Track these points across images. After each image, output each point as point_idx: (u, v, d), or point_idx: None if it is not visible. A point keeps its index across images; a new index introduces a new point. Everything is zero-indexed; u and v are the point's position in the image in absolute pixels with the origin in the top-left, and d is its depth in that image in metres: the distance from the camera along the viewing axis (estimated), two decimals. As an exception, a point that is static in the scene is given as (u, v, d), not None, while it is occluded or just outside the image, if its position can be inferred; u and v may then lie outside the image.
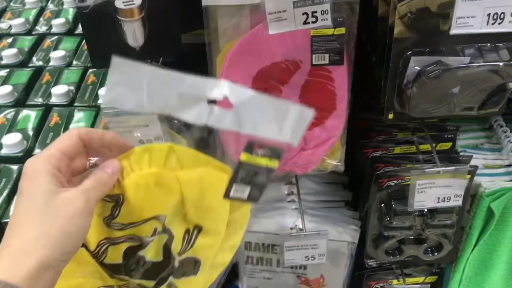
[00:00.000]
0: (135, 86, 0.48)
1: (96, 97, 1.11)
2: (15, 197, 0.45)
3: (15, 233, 0.40)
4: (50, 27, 1.39)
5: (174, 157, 0.52)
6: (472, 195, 0.97)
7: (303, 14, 0.65)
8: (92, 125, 1.03)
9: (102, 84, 1.14)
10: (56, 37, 1.33)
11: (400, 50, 0.76)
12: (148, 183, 0.51)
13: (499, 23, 0.66)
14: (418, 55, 0.76)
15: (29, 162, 0.44)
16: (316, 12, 0.65)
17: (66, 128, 1.02)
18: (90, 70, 1.20)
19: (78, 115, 1.05)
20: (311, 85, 0.81)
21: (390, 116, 0.84)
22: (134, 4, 0.74)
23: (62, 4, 1.51)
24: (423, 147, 0.98)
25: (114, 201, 0.50)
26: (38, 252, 0.40)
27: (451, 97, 0.77)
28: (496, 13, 0.65)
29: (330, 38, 0.73)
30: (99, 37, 0.78)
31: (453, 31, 0.67)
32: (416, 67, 0.76)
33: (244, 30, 0.78)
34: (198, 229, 0.56)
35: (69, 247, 0.42)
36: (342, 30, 0.72)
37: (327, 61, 0.77)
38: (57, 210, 0.41)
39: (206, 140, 0.54)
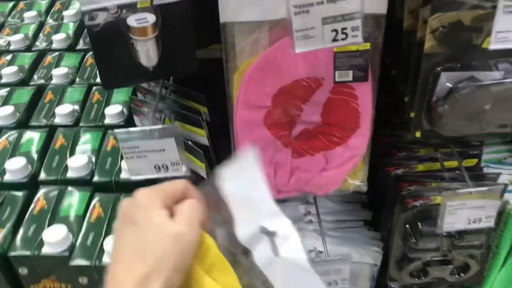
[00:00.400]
0: None
1: (103, 116, 1.06)
2: (116, 225, 0.44)
3: (136, 260, 0.42)
4: (51, 42, 1.34)
5: (209, 261, 0.46)
6: (499, 212, 0.93)
7: (332, 31, 0.61)
8: (100, 146, 0.98)
9: (108, 103, 1.10)
10: (57, 53, 1.29)
11: (430, 66, 0.71)
12: None
13: (541, 38, 0.62)
14: (449, 70, 0.71)
15: (142, 193, 0.45)
16: (346, 28, 0.60)
17: (72, 151, 0.97)
18: (95, 88, 1.15)
19: (85, 136, 1.00)
20: (333, 103, 0.77)
21: (418, 134, 0.79)
22: (148, 22, 0.69)
23: (62, 18, 1.47)
24: (448, 163, 0.93)
25: None
26: (161, 278, 0.41)
27: (484, 114, 0.72)
28: (539, 27, 0.61)
29: (354, 54, 0.69)
30: (110, 57, 0.73)
31: (492, 46, 0.63)
32: (447, 84, 0.72)
33: (263, 47, 0.74)
34: None
35: (184, 270, 0.44)
36: (367, 46, 0.68)
37: (350, 78, 0.73)
38: (174, 238, 0.43)
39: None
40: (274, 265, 0.47)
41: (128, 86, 0.93)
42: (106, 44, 0.72)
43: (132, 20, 0.70)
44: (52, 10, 1.51)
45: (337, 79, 0.73)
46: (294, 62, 0.72)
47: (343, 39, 0.61)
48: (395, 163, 0.95)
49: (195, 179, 0.82)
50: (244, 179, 0.49)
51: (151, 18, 0.70)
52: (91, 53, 1.29)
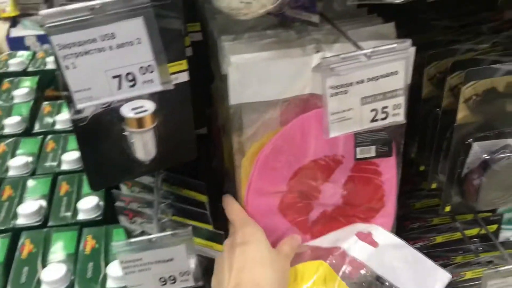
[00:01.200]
0: None
1: (75, 211, 0.92)
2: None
3: (244, 272, 0.54)
4: (3, 127, 1.19)
5: (323, 276, 0.57)
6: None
7: (372, 110, 0.53)
8: (76, 250, 0.84)
9: (79, 195, 0.95)
10: (12, 139, 1.14)
11: (462, 136, 0.66)
12: None
13: None
14: (481, 140, 0.66)
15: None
16: (387, 107, 0.53)
17: (44, 259, 0.82)
18: (61, 177, 1.01)
19: (57, 239, 0.85)
20: (355, 182, 0.70)
21: (447, 209, 0.73)
22: (146, 111, 0.59)
23: (13, 98, 1.33)
24: (468, 232, 0.87)
25: None
26: (270, 280, 0.53)
27: (523, 183, 0.67)
28: None
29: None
30: (99, 154, 0.62)
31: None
32: (483, 155, 0.65)
33: (273, 127, 0.66)
34: None
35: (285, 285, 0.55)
36: None
37: (373, 154, 0.66)
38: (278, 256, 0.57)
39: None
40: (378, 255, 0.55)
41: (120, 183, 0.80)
42: (95, 139, 0.61)
43: (127, 110, 0.59)
44: (0, 90, 1.36)
45: (358, 156, 0.66)
46: (311, 141, 0.64)
47: (383, 119, 0.54)
48: (412, 236, 0.87)
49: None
50: None
51: (149, 105, 0.59)
52: (51, 136, 1.15)
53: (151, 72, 0.47)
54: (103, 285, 0.77)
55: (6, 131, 1.18)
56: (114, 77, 0.46)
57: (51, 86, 1.45)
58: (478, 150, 0.66)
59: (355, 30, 0.61)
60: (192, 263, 0.62)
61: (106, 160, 0.63)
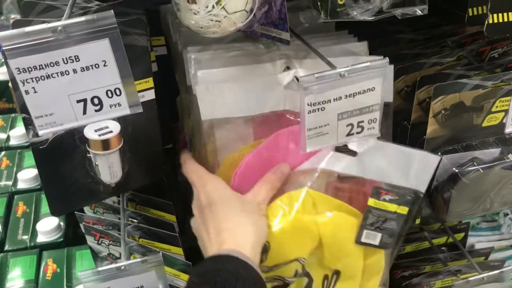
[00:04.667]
0: None
1: (34, 233, 0.87)
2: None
3: (222, 233, 0.53)
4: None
5: (310, 201, 0.56)
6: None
7: (348, 125, 0.52)
8: (37, 275, 0.79)
9: (37, 215, 0.91)
10: (-38, 158, 1.07)
11: (432, 150, 0.66)
12: (291, 227, 0.55)
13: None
14: (450, 153, 0.66)
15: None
16: (362, 121, 0.53)
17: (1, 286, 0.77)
18: (18, 196, 0.96)
19: (15, 265, 0.80)
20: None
21: (417, 221, 0.73)
22: (111, 132, 0.56)
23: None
24: (437, 241, 0.88)
25: (262, 248, 0.54)
26: (250, 237, 0.52)
27: (488, 194, 0.68)
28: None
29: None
30: (60, 178, 0.58)
31: (508, 129, 0.59)
32: (452, 167, 0.66)
33: (246, 140, 0.63)
34: (337, 275, 0.59)
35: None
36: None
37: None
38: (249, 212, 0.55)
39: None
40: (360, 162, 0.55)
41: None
42: (56, 162, 0.58)
43: (91, 131, 0.56)
44: None
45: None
46: (287, 157, 0.62)
47: (358, 133, 0.53)
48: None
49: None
50: None
51: (114, 126, 0.57)
52: (5, 152, 1.10)
53: (119, 95, 0.44)
54: (67, 312, 0.73)
55: (-45, 147, 1.12)
56: (79, 101, 0.43)
57: (3, 98, 1.38)
58: (447, 163, 0.66)
59: (327, 47, 0.60)
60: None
61: (68, 184, 0.59)
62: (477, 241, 0.96)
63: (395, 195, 0.55)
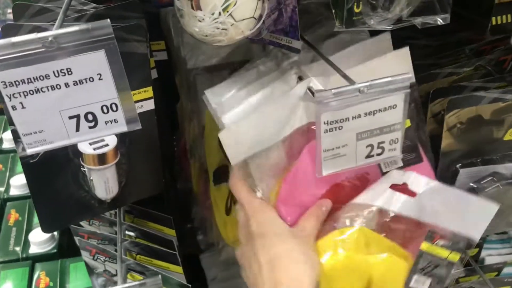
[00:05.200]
0: None
1: (26, 243, 0.83)
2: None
3: (276, 270, 0.50)
4: None
5: (363, 240, 0.53)
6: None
7: (367, 146, 0.48)
8: (29, 286, 0.76)
9: (30, 225, 0.87)
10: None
11: (448, 163, 0.63)
12: (342, 266, 0.53)
13: None
14: (468, 166, 0.63)
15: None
16: (383, 142, 0.49)
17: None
18: (10, 204, 0.92)
19: (6, 277, 0.76)
20: None
21: (434, 235, 0.69)
22: (107, 146, 0.52)
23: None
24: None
25: None
26: (306, 277, 0.49)
27: (510, 209, 0.64)
28: None
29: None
30: (53, 192, 0.55)
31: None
32: (469, 182, 0.62)
33: (281, 164, 0.57)
34: None
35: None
36: (407, 123, 0.56)
37: (401, 164, 0.57)
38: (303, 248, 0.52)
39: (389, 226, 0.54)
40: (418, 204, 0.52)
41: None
42: (47, 176, 0.54)
43: (86, 145, 0.52)
44: None
45: (384, 170, 0.58)
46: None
47: (378, 154, 0.49)
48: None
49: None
50: None
51: (110, 140, 0.53)
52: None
53: (115, 111, 0.40)
54: (60, 330, 0.69)
55: None
56: (71, 117, 0.39)
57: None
58: (465, 176, 0.62)
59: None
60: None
61: (61, 199, 0.55)
62: (487, 254, 0.92)
63: (449, 240, 0.53)
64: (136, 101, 0.54)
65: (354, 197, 0.59)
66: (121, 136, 0.55)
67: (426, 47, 0.71)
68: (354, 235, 0.53)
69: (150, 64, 0.61)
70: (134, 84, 0.53)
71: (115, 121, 0.41)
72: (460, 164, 0.63)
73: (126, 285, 0.52)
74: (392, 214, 0.53)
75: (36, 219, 0.88)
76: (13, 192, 0.95)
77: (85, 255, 0.66)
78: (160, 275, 0.52)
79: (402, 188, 0.53)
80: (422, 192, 0.52)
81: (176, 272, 0.63)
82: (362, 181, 0.59)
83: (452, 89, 0.61)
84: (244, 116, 0.53)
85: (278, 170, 0.55)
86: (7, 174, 1.00)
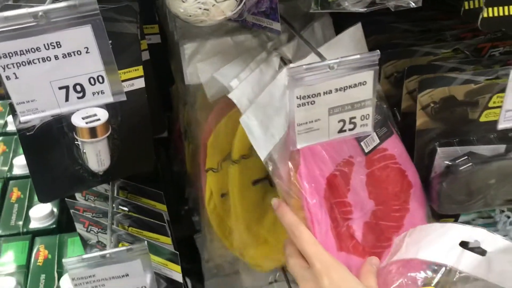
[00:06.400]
0: None
1: (27, 218, 0.87)
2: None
3: None
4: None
5: None
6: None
7: (340, 121, 0.51)
8: (28, 261, 0.79)
9: (31, 201, 0.91)
10: (-41, 141, 1.08)
11: (425, 142, 0.66)
12: None
13: (547, 115, 0.58)
14: (446, 146, 0.65)
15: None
16: (355, 118, 0.52)
17: (-7, 274, 0.77)
18: (13, 182, 0.96)
19: (7, 250, 0.80)
20: (375, 175, 0.65)
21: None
22: (99, 119, 0.56)
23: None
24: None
25: None
26: None
27: (488, 189, 0.67)
28: (546, 104, 0.57)
29: None
30: (48, 164, 0.58)
31: (502, 125, 0.57)
32: (445, 161, 0.65)
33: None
34: None
35: None
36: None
37: (378, 141, 0.62)
38: None
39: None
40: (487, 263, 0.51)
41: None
42: (43, 149, 0.57)
43: (78, 119, 0.55)
44: None
45: (367, 150, 0.62)
46: (317, 161, 0.60)
47: (350, 130, 0.52)
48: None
49: (166, 285, 0.67)
50: None
51: (102, 114, 0.56)
52: (2, 138, 1.10)
53: (101, 82, 0.43)
54: (56, 299, 0.73)
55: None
56: (61, 88, 0.43)
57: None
58: (442, 156, 0.65)
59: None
60: (149, 278, 0.59)
61: (55, 171, 0.59)
62: (472, 237, 0.95)
63: None
64: (128, 79, 0.58)
65: (346, 185, 0.63)
66: (113, 113, 0.59)
67: (407, 31, 0.74)
68: None
69: (141, 45, 0.65)
70: (125, 63, 0.56)
71: (102, 92, 0.44)
72: (438, 143, 0.65)
73: (115, 250, 0.55)
74: (460, 274, 0.51)
75: (35, 197, 0.92)
76: (16, 171, 0.99)
77: (79, 227, 0.70)
78: (146, 242, 0.56)
79: (473, 244, 0.52)
80: (492, 251, 0.51)
81: (166, 242, 0.66)
82: (348, 167, 0.62)
83: (427, 67, 0.63)
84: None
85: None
86: (11, 154, 1.04)
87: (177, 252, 0.62)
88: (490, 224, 0.99)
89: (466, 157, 0.65)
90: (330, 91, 0.49)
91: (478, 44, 0.68)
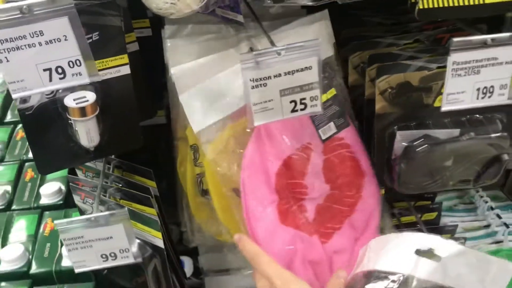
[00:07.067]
0: None
1: (38, 196, 0.97)
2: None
3: None
4: (-25, 117, 1.24)
5: None
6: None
7: (291, 102, 0.58)
8: (36, 231, 0.89)
9: (43, 180, 1.01)
10: (-18, 128, 1.19)
11: (384, 126, 0.71)
12: None
13: (489, 97, 0.63)
14: (404, 129, 0.71)
15: None
16: (305, 99, 0.58)
17: (5, 240, 0.87)
18: (28, 164, 1.06)
19: (19, 221, 0.90)
20: (331, 162, 0.71)
21: (382, 191, 0.78)
22: (87, 101, 0.64)
23: (-13, 90, 1.37)
24: (405, 219, 0.92)
25: None
26: None
27: (444, 170, 0.72)
28: (486, 87, 0.62)
29: (327, 104, 0.68)
30: (46, 140, 0.66)
31: (444, 108, 0.62)
32: (403, 142, 0.71)
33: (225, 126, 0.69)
34: None
35: None
36: (333, 92, 0.67)
37: (335, 130, 0.70)
38: None
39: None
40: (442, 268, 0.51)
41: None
42: (41, 127, 0.65)
43: (70, 100, 0.64)
44: (-24, 80, 1.41)
45: (323, 137, 0.69)
46: (278, 142, 0.68)
47: (302, 109, 0.59)
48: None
49: (151, 252, 0.75)
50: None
51: (90, 96, 0.64)
52: (21, 125, 1.20)
53: (79, 65, 0.52)
54: (58, 263, 0.82)
55: (-21, 120, 1.23)
56: (45, 70, 0.51)
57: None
58: (400, 139, 0.71)
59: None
60: (131, 241, 0.67)
61: (53, 147, 0.67)
62: (451, 221, 0.99)
63: None
64: (114, 66, 0.66)
65: (304, 168, 0.70)
66: (102, 96, 0.67)
67: (380, 25, 0.80)
68: None
69: (125, 36, 0.73)
70: (112, 51, 0.64)
71: (79, 74, 0.52)
72: (396, 127, 0.71)
73: (99, 214, 0.64)
74: (415, 282, 0.52)
75: (48, 177, 1.02)
76: (31, 155, 1.09)
77: (76, 199, 0.78)
78: (126, 208, 0.64)
79: (427, 252, 0.53)
80: (446, 256, 0.52)
81: (151, 213, 0.74)
82: (307, 152, 0.69)
83: (387, 55, 0.69)
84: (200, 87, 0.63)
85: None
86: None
87: (157, 220, 0.70)
88: (471, 210, 1.04)
89: (422, 139, 0.70)
90: (280, 75, 0.56)
91: (437, 35, 0.74)
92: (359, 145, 0.72)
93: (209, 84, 0.65)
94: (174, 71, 0.65)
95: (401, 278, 0.52)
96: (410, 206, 0.89)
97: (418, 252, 0.52)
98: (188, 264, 1.02)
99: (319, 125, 0.68)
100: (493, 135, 0.68)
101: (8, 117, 1.26)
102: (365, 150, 0.73)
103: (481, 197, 1.02)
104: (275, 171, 0.67)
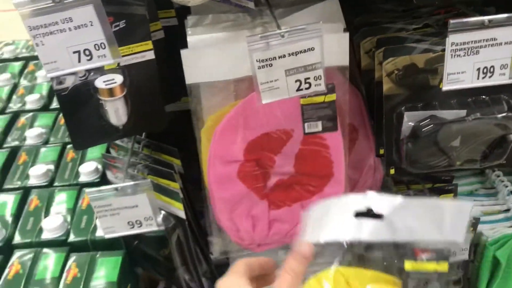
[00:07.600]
0: None
1: (77, 174, 1.06)
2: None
3: None
4: (24, 104, 1.35)
5: (343, 280, 0.49)
6: (474, 245, 0.94)
7: (296, 81, 0.63)
8: (75, 205, 0.98)
9: (82, 160, 1.09)
10: (31, 114, 1.29)
11: (392, 106, 0.74)
12: None
13: (490, 77, 0.65)
14: (411, 110, 0.74)
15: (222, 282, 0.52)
16: (309, 78, 0.63)
17: (47, 212, 0.96)
18: (69, 146, 1.15)
19: (59, 196, 0.99)
20: (305, 154, 0.77)
21: (392, 171, 0.81)
22: (115, 82, 0.71)
23: (36, 79, 1.48)
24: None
25: None
26: None
27: (451, 150, 0.75)
28: (486, 67, 0.65)
29: (321, 105, 0.71)
30: (80, 118, 0.74)
31: (445, 87, 0.65)
32: (410, 123, 0.74)
33: (228, 102, 0.75)
34: None
35: None
36: (332, 97, 0.70)
37: (320, 129, 0.74)
38: None
39: (364, 256, 0.51)
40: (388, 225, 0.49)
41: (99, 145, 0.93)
42: (75, 106, 0.73)
43: (100, 82, 0.71)
44: (26, 71, 1.52)
45: (306, 131, 0.74)
46: (262, 115, 0.73)
47: (307, 89, 0.64)
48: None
49: (175, 222, 0.82)
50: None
51: (118, 78, 0.71)
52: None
53: (104, 48, 0.58)
54: (93, 233, 0.90)
55: (27, 107, 1.33)
56: (74, 52, 0.58)
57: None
58: (408, 120, 0.74)
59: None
60: (155, 210, 0.74)
61: (86, 124, 0.75)
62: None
63: (431, 252, 0.49)
64: (139, 52, 0.72)
65: (279, 147, 0.75)
66: (129, 79, 0.74)
67: (391, 11, 0.83)
68: (332, 279, 0.49)
69: (156, 25, 0.79)
70: (137, 38, 0.71)
71: (104, 56, 0.59)
72: (404, 108, 0.74)
73: (124, 183, 0.71)
74: (364, 244, 0.50)
75: (87, 157, 1.11)
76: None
77: (109, 174, 0.86)
78: (149, 179, 0.71)
79: (367, 213, 0.50)
80: (389, 213, 0.49)
81: (174, 187, 0.81)
82: (286, 136, 0.74)
83: (394, 39, 0.72)
84: (206, 45, 0.68)
85: (224, 103, 0.71)
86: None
87: (179, 192, 0.76)
88: (491, 194, 1.05)
89: (429, 119, 0.73)
90: (284, 55, 0.61)
91: (445, 19, 0.76)
92: (340, 151, 0.76)
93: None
94: (190, 39, 0.70)
95: (346, 245, 0.49)
96: (424, 188, 0.92)
97: (357, 215, 0.50)
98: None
99: (307, 119, 0.72)
100: (499, 115, 0.70)
101: (54, 104, 1.36)
102: (344, 158, 0.77)
103: (502, 181, 1.02)
104: (251, 137, 0.73)
